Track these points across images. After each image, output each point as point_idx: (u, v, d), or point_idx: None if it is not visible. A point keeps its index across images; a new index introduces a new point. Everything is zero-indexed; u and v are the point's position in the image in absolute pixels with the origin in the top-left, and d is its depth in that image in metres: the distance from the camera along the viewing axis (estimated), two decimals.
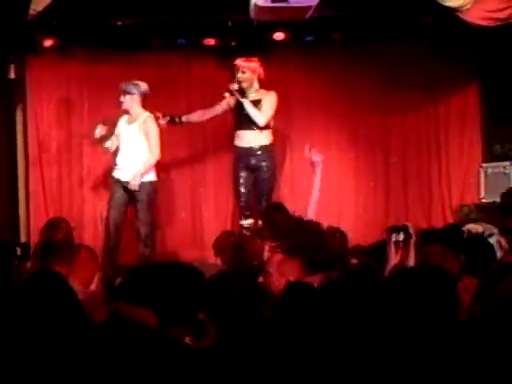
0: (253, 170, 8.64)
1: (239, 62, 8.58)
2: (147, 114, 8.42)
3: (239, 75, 8.56)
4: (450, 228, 6.66)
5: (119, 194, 8.37)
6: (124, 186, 8.31)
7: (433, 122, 9.98)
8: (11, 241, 8.01)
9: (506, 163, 9.40)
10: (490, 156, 9.71)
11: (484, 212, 8.59)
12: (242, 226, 8.50)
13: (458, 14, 8.13)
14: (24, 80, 9.39)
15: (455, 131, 9.94)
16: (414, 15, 8.93)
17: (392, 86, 9.69)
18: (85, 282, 5.19)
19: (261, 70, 8.58)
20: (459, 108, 9.94)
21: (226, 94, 8.63)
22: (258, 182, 8.64)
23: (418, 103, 9.87)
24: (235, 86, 8.51)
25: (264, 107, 8.51)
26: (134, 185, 8.16)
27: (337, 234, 6.30)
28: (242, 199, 8.68)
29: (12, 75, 9.04)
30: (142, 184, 8.24)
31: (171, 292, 3.36)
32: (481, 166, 9.63)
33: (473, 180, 9.74)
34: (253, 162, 8.61)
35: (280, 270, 4.73)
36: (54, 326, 2.91)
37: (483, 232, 6.89)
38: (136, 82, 8.39)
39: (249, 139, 8.59)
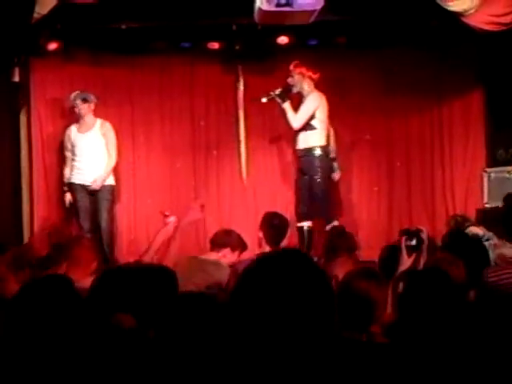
0: (303, 173, 8.75)
1: (291, 66, 8.72)
2: (100, 119, 8.93)
3: (288, 79, 8.70)
4: (451, 234, 6.63)
5: (84, 198, 8.76)
6: (87, 190, 8.73)
7: (436, 126, 9.97)
8: (15, 243, 8.02)
9: (510, 168, 9.37)
10: (494, 161, 9.68)
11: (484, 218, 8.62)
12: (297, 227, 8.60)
13: (462, 18, 8.13)
14: (28, 83, 9.39)
15: (459, 136, 9.93)
16: (418, 20, 8.92)
17: (396, 91, 9.69)
18: (86, 271, 5.23)
19: (311, 73, 8.68)
20: (463, 112, 9.93)
21: (264, 99, 8.72)
22: (307, 184, 8.72)
23: (422, 107, 9.86)
24: (276, 91, 8.61)
25: (300, 110, 8.61)
26: (97, 185, 8.73)
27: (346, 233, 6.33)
28: (296, 202, 8.82)
29: (16, 78, 9.06)
30: (105, 186, 8.78)
31: (147, 294, 3.39)
32: (484, 171, 9.61)
33: (476, 185, 9.73)
34: (299, 164, 8.81)
35: (326, 267, 4.67)
36: (57, 327, 2.92)
37: (482, 236, 6.91)
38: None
39: (296, 141, 8.77)
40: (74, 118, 9.29)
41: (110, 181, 8.89)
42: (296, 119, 8.58)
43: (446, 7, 8.02)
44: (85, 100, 8.82)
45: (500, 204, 9.04)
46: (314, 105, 8.61)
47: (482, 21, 8.15)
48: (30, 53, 9.14)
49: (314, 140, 8.60)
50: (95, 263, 5.50)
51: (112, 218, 8.96)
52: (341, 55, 9.61)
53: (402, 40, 9.37)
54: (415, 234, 5.02)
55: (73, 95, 8.88)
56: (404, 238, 4.95)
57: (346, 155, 9.89)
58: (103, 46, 9.29)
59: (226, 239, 6.63)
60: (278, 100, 8.63)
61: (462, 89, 9.83)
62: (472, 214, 9.38)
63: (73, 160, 8.86)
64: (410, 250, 4.94)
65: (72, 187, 8.88)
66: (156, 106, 9.59)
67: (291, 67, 8.69)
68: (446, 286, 3.62)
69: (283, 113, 8.67)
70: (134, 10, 8.65)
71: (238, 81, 9.61)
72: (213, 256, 6.50)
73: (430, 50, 9.54)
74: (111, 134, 8.90)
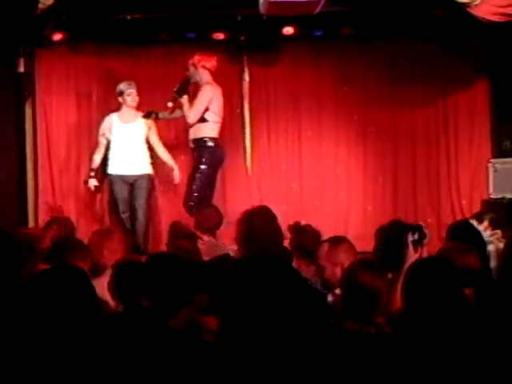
0: (195, 165, 8.64)
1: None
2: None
3: (186, 72, 8.61)
4: (456, 225, 6.58)
5: (123, 189, 8.60)
6: (126, 181, 8.58)
7: (442, 117, 9.95)
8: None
9: None
10: (499, 152, 9.68)
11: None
12: None
13: (468, 9, 8.11)
14: (33, 73, 9.40)
15: (464, 127, 9.91)
16: (424, 10, 8.90)
17: (401, 82, 9.67)
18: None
19: (203, 63, 8.52)
20: (468, 104, 9.91)
21: (169, 104, 8.63)
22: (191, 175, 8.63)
23: (428, 99, 9.84)
24: (175, 88, 8.51)
25: (194, 104, 8.45)
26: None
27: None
28: (186, 195, 8.65)
29: (21, 69, 9.08)
30: (143, 175, 8.66)
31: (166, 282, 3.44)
32: (490, 162, 9.59)
33: (481, 176, 9.71)
34: (192, 155, 8.71)
35: (331, 260, 4.65)
36: (68, 320, 2.91)
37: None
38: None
39: (190, 132, 8.63)
40: (80, 108, 9.35)
41: (149, 170, 8.74)
42: (191, 113, 8.43)
43: None
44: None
45: (506, 195, 9.06)
46: (207, 98, 8.44)
47: (487, 11, 8.14)
48: (35, 43, 9.16)
49: (204, 131, 8.48)
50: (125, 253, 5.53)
51: (148, 208, 8.81)
52: (346, 46, 9.61)
53: (407, 31, 9.37)
54: (417, 229, 5.04)
55: (122, 85, 8.64)
56: (409, 234, 4.97)
57: (352, 146, 9.89)
58: (108, 36, 9.30)
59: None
60: (177, 96, 8.50)
61: (468, 80, 9.81)
62: (477, 206, 9.38)
63: (109, 149, 8.64)
64: (415, 244, 4.96)
65: (110, 179, 8.71)
66: (161, 96, 9.57)
67: (189, 60, 8.58)
68: (447, 275, 3.61)
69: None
70: (139, 1, 8.66)
71: (243, 72, 9.60)
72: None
73: (436, 41, 9.54)
74: (154, 126, 8.81)
